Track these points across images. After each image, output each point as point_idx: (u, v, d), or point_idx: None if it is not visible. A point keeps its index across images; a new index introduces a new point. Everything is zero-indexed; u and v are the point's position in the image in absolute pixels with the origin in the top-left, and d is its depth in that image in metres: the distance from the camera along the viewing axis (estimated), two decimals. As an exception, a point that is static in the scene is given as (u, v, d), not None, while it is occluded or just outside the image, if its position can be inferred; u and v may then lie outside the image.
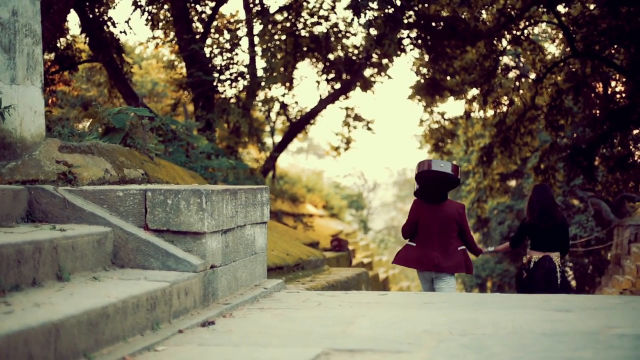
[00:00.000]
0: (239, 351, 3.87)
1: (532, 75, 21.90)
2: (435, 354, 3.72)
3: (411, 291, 23.74)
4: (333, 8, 19.75)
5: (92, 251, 4.59)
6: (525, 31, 20.76)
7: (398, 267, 34.83)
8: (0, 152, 5.34)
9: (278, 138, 24.10)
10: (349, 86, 20.93)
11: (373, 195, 55.07)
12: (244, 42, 18.85)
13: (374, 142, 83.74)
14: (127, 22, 17.54)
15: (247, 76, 17.95)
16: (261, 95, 20.27)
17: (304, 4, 19.72)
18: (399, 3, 17.17)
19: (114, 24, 17.41)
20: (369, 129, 23.25)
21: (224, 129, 19.11)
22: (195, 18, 18.44)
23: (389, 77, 21.38)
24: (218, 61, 17.95)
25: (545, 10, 19.44)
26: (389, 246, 44.33)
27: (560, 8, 19.34)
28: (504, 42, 20.99)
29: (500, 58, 21.57)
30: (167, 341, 4.05)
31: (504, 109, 22.13)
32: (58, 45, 17.55)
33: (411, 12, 18.13)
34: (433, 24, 18.61)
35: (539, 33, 23.99)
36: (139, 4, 17.83)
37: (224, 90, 17.97)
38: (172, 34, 19.30)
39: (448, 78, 21.46)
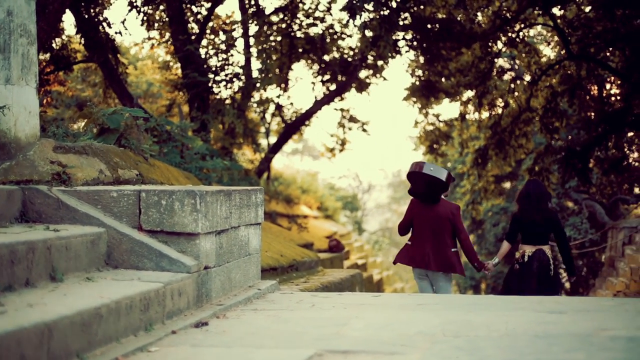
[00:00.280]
0: (232, 352, 3.87)
1: (527, 78, 21.93)
2: (428, 356, 3.72)
3: (405, 293, 23.75)
4: (329, 9, 19.76)
5: (85, 252, 4.59)
6: (521, 33, 20.78)
7: (392, 268, 34.89)
8: (-5, 152, 5.33)
9: (273, 139, 24.07)
10: (344, 87, 20.93)
11: (368, 197, 55.01)
12: (240, 43, 18.82)
13: (368, 143, 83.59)
14: (122, 22, 17.52)
15: (243, 77, 17.92)
16: (256, 96, 20.22)
17: (300, 5, 19.72)
18: (394, 5, 17.18)
19: (109, 25, 17.38)
20: (364, 130, 23.23)
21: (219, 130, 19.08)
22: (191, 19, 18.43)
23: (384, 79, 21.36)
24: (213, 62, 17.92)
25: (540, 12, 19.47)
26: (383, 248, 44.29)
27: (556, 10, 19.37)
28: (499, 44, 21.01)
29: (496, 60, 21.58)
30: (160, 342, 4.05)
31: (499, 111, 22.13)
32: (53, 45, 17.51)
33: (407, 14, 18.15)
34: (428, 25, 18.63)
35: (534, 35, 24.04)
36: (134, 4, 17.81)
37: (219, 91, 17.94)
38: (167, 34, 19.28)
39: (443, 80, 21.46)
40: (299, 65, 22.02)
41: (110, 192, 5.14)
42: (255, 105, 21.22)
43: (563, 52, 20.32)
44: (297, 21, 19.89)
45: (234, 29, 19.25)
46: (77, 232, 4.58)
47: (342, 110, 23.00)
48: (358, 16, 16.48)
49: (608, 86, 21.45)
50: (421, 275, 8.18)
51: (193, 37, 17.59)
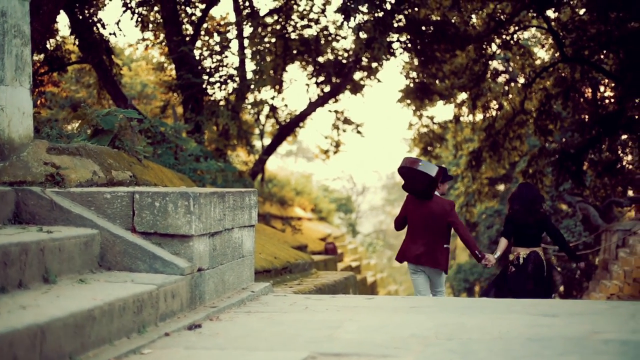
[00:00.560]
0: (225, 355, 3.87)
1: (522, 80, 21.97)
2: (421, 359, 3.72)
3: (399, 295, 23.75)
4: (323, 11, 19.78)
5: (79, 253, 4.57)
6: (515, 36, 20.83)
7: (386, 270, 34.94)
8: (-12, 153, 5.32)
9: (267, 141, 24.10)
10: (338, 89, 20.95)
11: (362, 199, 55.07)
12: (234, 45, 18.83)
13: (363, 145, 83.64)
14: (117, 23, 17.53)
15: (237, 79, 17.92)
16: (250, 97, 20.24)
17: (294, 6, 19.73)
18: (388, 7, 17.19)
19: (103, 26, 17.36)
20: (358, 132, 23.27)
21: (213, 132, 19.08)
22: (185, 20, 18.41)
23: (379, 81, 21.41)
24: (208, 63, 17.92)
25: (534, 15, 19.52)
26: (377, 250, 44.33)
27: (550, 13, 19.41)
28: (494, 47, 21.05)
29: (490, 62, 21.62)
30: (153, 344, 4.04)
31: (493, 113, 22.17)
32: (47, 46, 17.48)
33: (401, 16, 18.16)
34: (423, 27, 18.65)
35: (529, 38, 24.08)
36: (129, 5, 17.78)
37: (214, 93, 17.94)
38: (161, 35, 19.26)
39: (437, 82, 21.49)
40: (293, 67, 22.03)
41: (104, 193, 5.12)
42: (249, 106, 21.25)
43: (557, 54, 20.38)
44: (292, 23, 19.91)
45: (229, 30, 19.26)
46: (70, 233, 4.56)
47: (336, 112, 23.03)
48: (352, 18, 16.49)
49: (602, 89, 21.52)
50: (414, 270, 8.37)
51: (187, 39, 17.58)
